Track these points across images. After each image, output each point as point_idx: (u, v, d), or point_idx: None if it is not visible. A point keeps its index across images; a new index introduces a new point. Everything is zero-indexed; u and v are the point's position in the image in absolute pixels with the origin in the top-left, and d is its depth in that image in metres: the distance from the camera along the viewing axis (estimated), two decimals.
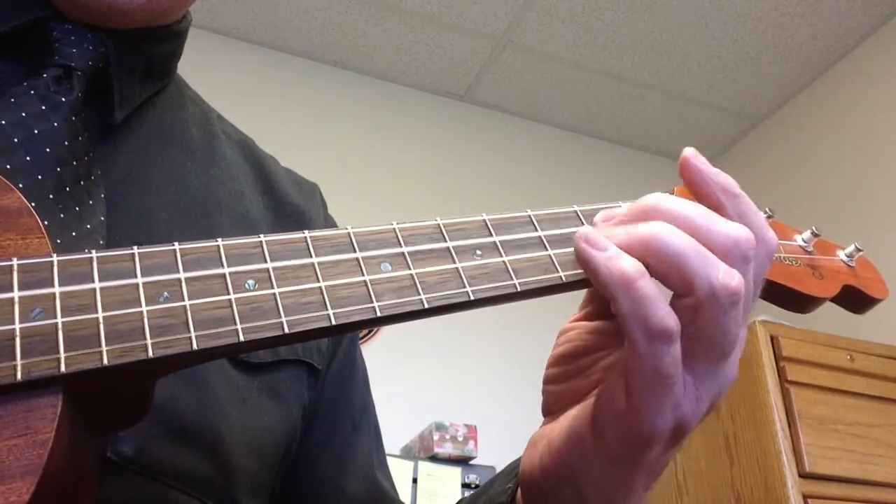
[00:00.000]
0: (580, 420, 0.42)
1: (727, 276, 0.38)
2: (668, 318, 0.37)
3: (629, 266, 0.38)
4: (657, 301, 0.37)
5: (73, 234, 0.46)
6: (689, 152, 0.44)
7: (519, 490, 0.49)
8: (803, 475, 1.66)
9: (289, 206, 0.66)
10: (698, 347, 0.39)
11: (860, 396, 1.83)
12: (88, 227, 0.48)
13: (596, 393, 0.42)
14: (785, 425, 1.70)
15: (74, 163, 0.49)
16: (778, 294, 0.49)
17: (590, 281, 0.43)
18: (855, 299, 0.52)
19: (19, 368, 0.32)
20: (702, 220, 0.40)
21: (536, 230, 0.44)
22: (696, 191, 0.44)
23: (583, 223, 0.45)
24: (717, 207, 0.43)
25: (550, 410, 0.48)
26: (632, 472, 0.42)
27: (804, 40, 2.76)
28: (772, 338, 1.82)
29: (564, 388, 0.47)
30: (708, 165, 0.44)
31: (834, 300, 0.52)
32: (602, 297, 0.46)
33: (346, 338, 0.67)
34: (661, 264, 0.39)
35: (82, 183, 0.49)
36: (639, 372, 0.38)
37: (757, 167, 3.15)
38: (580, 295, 0.48)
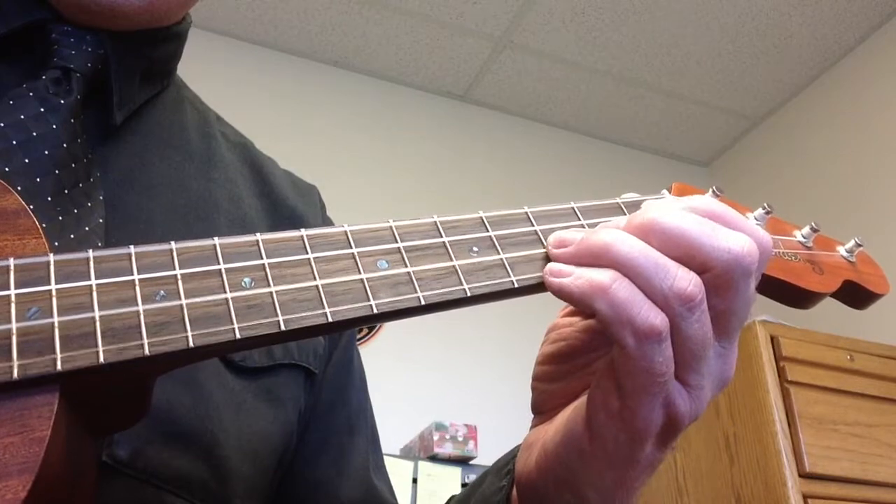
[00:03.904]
0: (574, 421, 0.42)
1: (682, 282, 0.38)
2: (653, 315, 0.37)
3: (599, 275, 0.38)
4: (638, 301, 0.37)
5: (72, 236, 0.46)
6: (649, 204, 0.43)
7: (514, 490, 0.49)
8: (803, 475, 1.66)
9: (286, 208, 0.66)
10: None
11: (860, 396, 1.82)
12: (87, 229, 0.48)
13: (588, 395, 0.42)
14: (785, 425, 1.70)
15: (73, 165, 0.49)
16: (778, 290, 0.49)
17: None
18: (855, 295, 0.52)
19: (16, 367, 0.32)
20: (700, 235, 0.39)
21: (533, 227, 0.44)
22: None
23: (579, 219, 0.45)
24: None
25: (541, 409, 0.48)
26: (629, 470, 0.42)
27: (804, 40, 2.76)
28: (772, 338, 1.82)
29: (557, 387, 0.47)
30: (679, 213, 0.42)
31: (834, 295, 0.51)
32: None
33: (342, 341, 0.67)
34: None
35: (81, 185, 0.49)
36: (631, 373, 0.38)
37: (757, 167, 3.15)
38: None
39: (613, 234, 0.39)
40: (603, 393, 0.40)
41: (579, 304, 0.39)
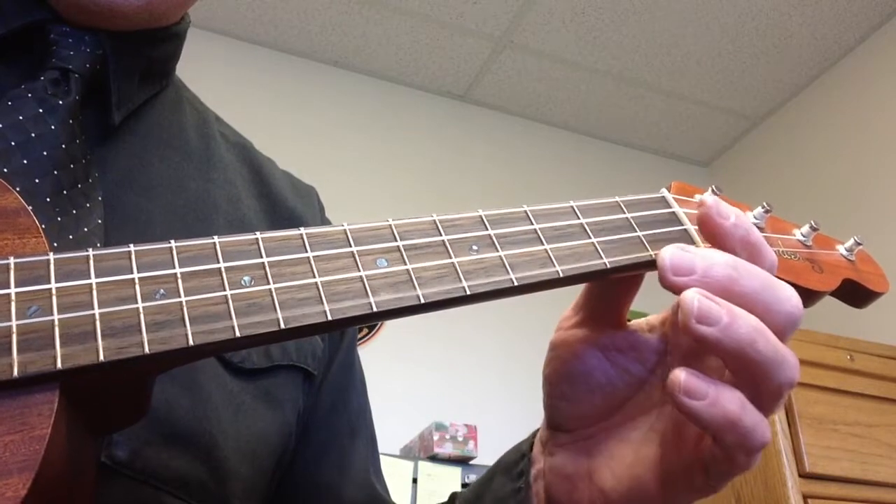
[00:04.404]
0: (644, 480, 0.43)
1: (793, 372, 0.38)
2: (767, 432, 0.38)
3: (732, 406, 0.37)
4: (758, 422, 0.38)
5: (71, 237, 0.46)
6: (711, 207, 0.43)
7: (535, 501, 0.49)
8: (803, 475, 1.66)
9: (285, 209, 0.66)
10: None
11: (860, 396, 1.82)
12: (86, 230, 0.48)
13: (663, 465, 0.42)
14: (785, 425, 1.70)
15: (72, 165, 0.49)
16: None
17: (588, 277, 0.43)
18: (855, 293, 0.52)
19: (16, 365, 0.32)
20: (769, 300, 0.39)
21: (533, 225, 0.44)
22: (714, 242, 0.44)
23: (578, 218, 0.45)
24: (731, 253, 0.43)
25: (566, 427, 0.48)
26: None
27: (804, 40, 2.76)
28: None
29: (578, 406, 0.46)
30: (727, 219, 0.42)
31: (834, 294, 0.51)
32: (601, 300, 0.46)
33: (344, 342, 0.67)
34: (741, 370, 0.38)
35: (80, 186, 0.49)
36: (728, 472, 0.39)
37: (757, 167, 3.15)
38: (580, 291, 0.48)
39: (754, 326, 0.38)
40: (688, 473, 0.41)
41: (705, 430, 0.38)
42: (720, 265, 0.40)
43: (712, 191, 0.48)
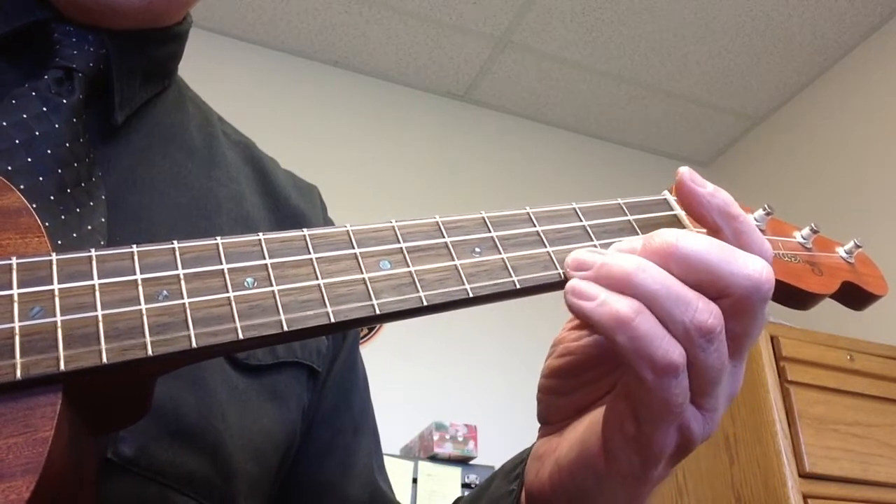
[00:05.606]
0: (589, 441, 0.43)
1: (702, 315, 0.37)
2: (672, 351, 0.37)
3: (623, 307, 0.37)
4: (658, 335, 0.37)
5: (74, 235, 0.47)
6: (685, 174, 0.43)
7: (523, 495, 0.49)
8: (803, 475, 1.66)
9: (288, 208, 0.66)
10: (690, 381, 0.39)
11: (860, 396, 1.83)
12: (89, 228, 0.48)
13: (603, 418, 0.42)
14: (785, 425, 1.70)
15: (75, 164, 0.49)
16: (777, 291, 0.49)
17: None
18: (854, 296, 0.52)
19: (19, 367, 0.32)
20: (719, 262, 0.39)
21: (535, 227, 0.44)
22: (693, 213, 0.44)
23: (581, 220, 0.45)
24: (715, 230, 0.43)
25: (549, 420, 0.48)
26: (641, 488, 0.43)
27: (804, 40, 2.76)
28: (772, 338, 1.82)
29: (564, 400, 0.47)
30: (703, 187, 0.43)
31: (833, 297, 0.52)
32: None
33: (347, 341, 0.67)
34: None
35: (83, 184, 0.49)
36: (647, 404, 0.38)
37: (757, 167, 3.15)
38: None
39: (634, 262, 0.38)
40: (618, 418, 0.40)
41: (599, 332, 0.38)
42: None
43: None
